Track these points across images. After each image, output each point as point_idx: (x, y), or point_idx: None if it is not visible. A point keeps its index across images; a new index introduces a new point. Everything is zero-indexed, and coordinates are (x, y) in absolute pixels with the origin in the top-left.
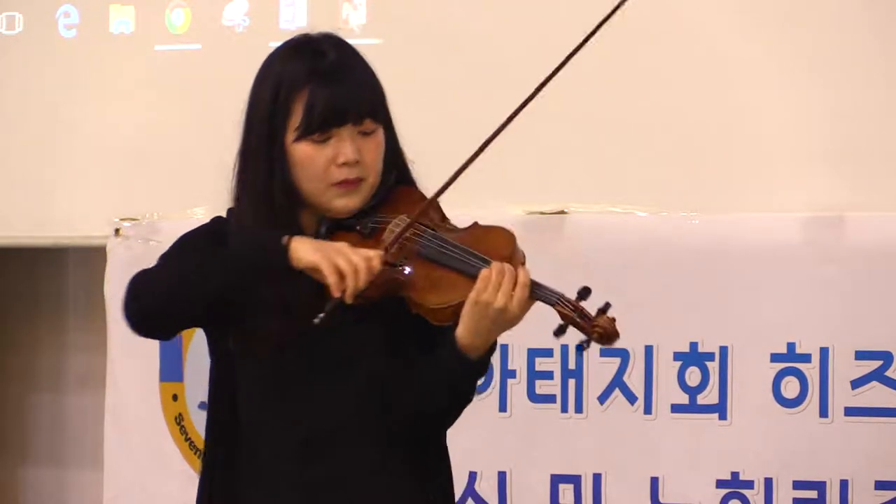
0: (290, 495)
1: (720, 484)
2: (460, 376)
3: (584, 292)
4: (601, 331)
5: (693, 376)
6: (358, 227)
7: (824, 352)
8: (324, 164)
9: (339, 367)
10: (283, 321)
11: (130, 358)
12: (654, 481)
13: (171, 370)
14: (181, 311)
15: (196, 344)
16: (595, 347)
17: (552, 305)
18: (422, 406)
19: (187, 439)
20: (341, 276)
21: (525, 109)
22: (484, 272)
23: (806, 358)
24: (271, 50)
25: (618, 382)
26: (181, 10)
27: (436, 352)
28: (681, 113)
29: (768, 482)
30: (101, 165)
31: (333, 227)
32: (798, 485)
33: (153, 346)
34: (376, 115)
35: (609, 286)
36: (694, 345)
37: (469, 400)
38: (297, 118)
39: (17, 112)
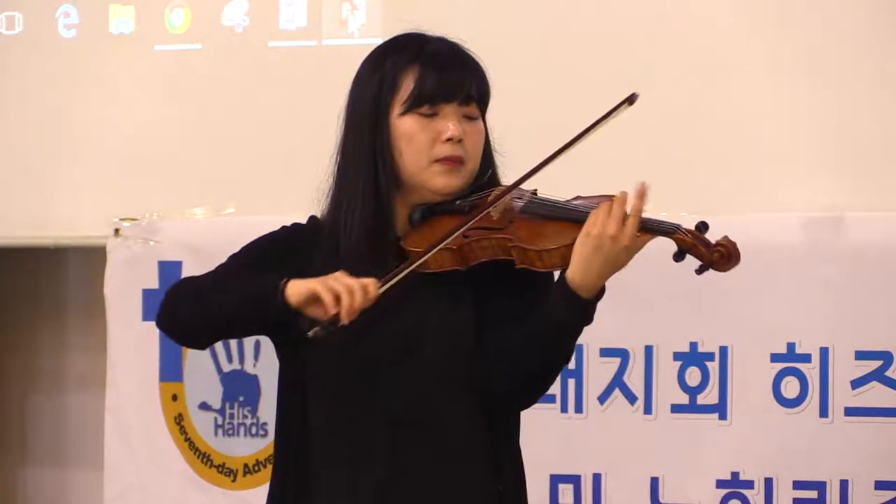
0: (379, 476)
1: (720, 484)
2: (566, 318)
3: (703, 226)
4: (723, 249)
5: (693, 376)
6: (458, 202)
7: (824, 352)
8: (429, 139)
9: (426, 348)
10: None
11: (130, 358)
12: (654, 481)
13: (171, 370)
14: (201, 335)
15: None
16: (595, 347)
17: (669, 235)
18: (517, 364)
19: (187, 439)
20: (337, 298)
21: (524, 111)
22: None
23: (806, 358)
24: (271, 50)
25: (618, 382)
26: (181, 10)
27: (539, 305)
28: (681, 113)
29: (768, 482)
30: (101, 165)
31: (427, 213)
32: (798, 485)
33: (153, 346)
34: (482, 103)
35: (609, 286)
36: (694, 345)
37: (566, 360)
38: (404, 93)
39: (17, 112)
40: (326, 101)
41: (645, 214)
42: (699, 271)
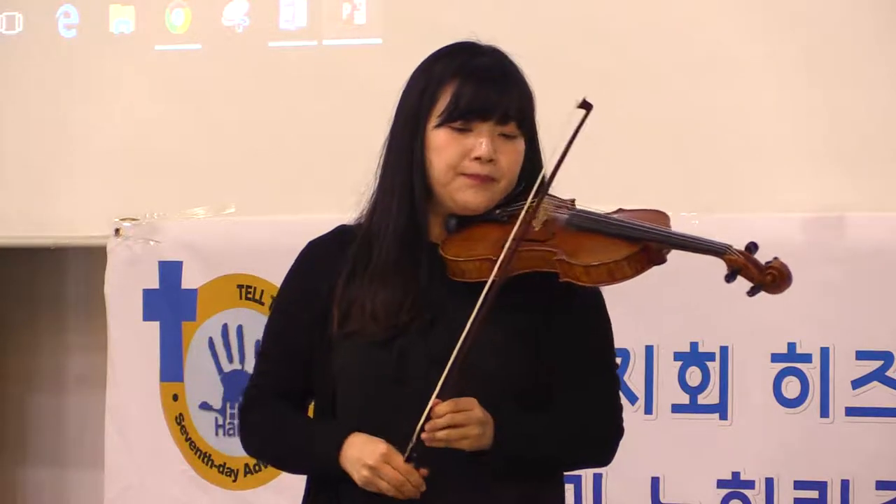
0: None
1: (721, 484)
2: None
3: (752, 246)
4: (776, 272)
5: (693, 376)
6: (497, 211)
7: (825, 352)
8: (458, 153)
9: (461, 366)
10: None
11: (130, 358)
12: (655, 481)
13: (172, 370)
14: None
15: (196, 344)
16: None
17: (720, 255)
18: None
19: (188, 439)
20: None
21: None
22: None
23: (806, 358)
24: (271, 50)
25: None
26: (181, 10)
27: None
28: (681, 113)
29: (769, 482)
30: (101, 165)
31: (464, 221)
32: (799, 485)
33: (153, 346)
34: (521, 123)
35: (609, 286)
36: (694, 345)
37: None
38: (441, 106)
39: (17, 112)
40: (326, 101)
41: (696, 232)
42: (751, 293)
